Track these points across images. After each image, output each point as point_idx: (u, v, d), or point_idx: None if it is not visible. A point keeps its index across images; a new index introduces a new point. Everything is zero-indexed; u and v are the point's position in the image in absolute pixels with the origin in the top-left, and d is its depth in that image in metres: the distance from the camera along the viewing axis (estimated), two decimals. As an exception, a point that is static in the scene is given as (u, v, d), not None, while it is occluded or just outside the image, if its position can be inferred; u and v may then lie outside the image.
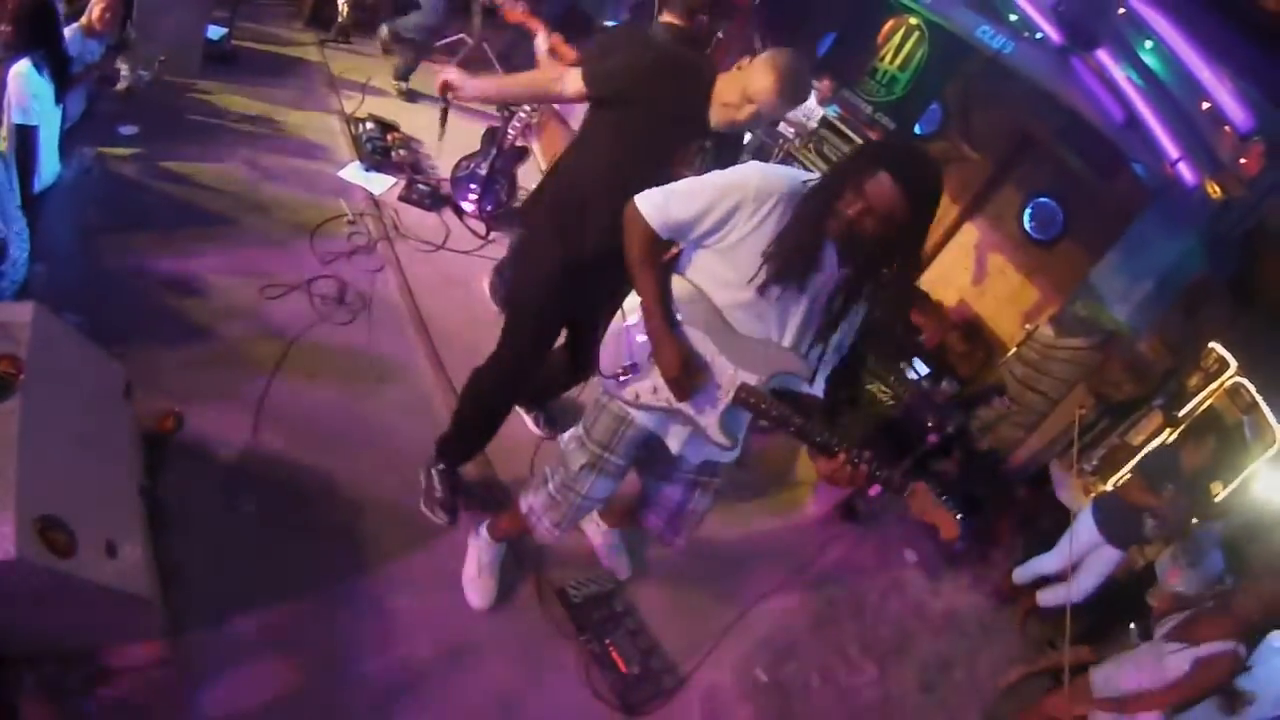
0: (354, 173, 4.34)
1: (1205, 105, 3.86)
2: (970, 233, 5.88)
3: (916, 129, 5.94)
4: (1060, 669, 3.55)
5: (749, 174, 1.86)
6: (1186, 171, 4.00)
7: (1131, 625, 3.70)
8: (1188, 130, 4.00)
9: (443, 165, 4.79)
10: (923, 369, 4.77)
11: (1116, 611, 4.08)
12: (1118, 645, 3.58)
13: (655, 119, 2.30)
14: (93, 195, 3.50)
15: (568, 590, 2.79)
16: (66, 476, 1.85)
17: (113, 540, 1.85)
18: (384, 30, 5.89)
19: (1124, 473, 4.60)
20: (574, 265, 2.46)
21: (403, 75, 5.70)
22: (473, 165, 4.51)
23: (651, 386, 2.03)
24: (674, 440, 2.10)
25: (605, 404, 2.15)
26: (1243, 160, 3.61)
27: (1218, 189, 3.81)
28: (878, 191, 1.69)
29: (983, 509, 4.49)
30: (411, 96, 5.71)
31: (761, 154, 5.65)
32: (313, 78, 5.31)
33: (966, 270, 5.99)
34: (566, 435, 2.32)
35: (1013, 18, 4.82)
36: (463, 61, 6.21)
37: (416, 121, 5.24)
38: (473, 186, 4.49)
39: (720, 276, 1.92)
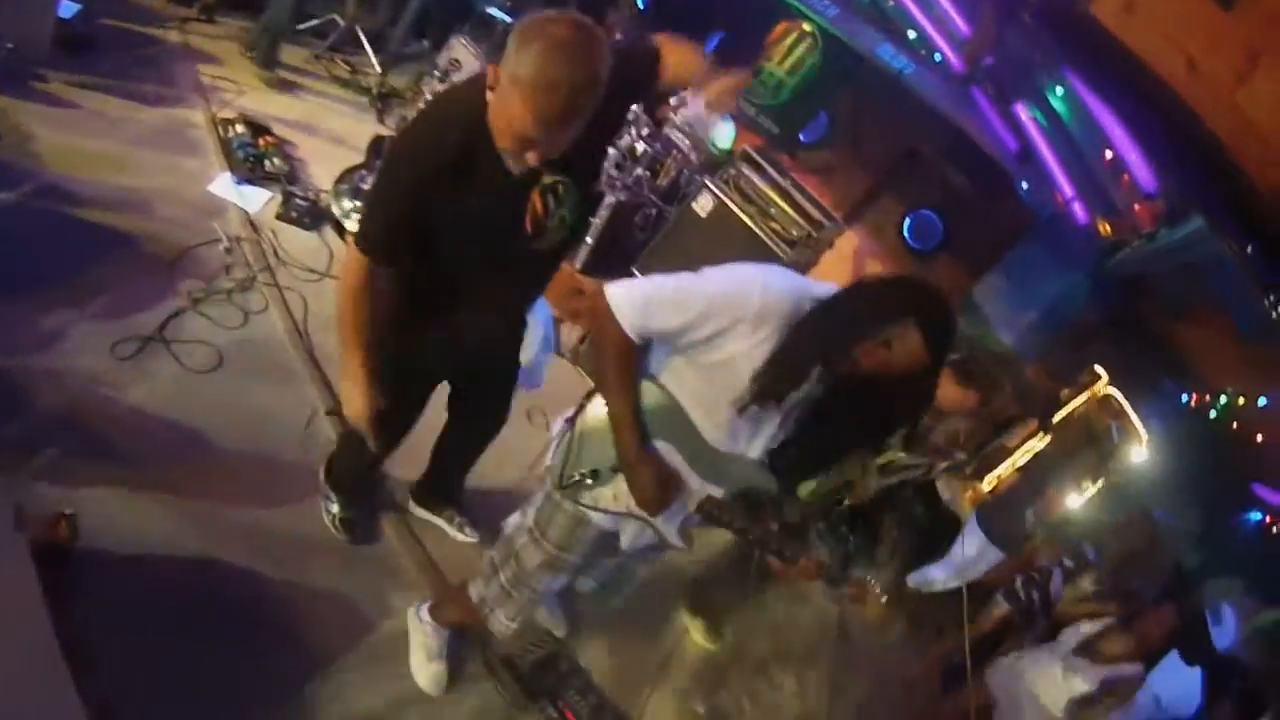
0: (225, 186, 3.97)
1: (1109, 155, 4.20)
2: (849, 240, 6.07)
3: (800, 136, 6.10)
4: (948, 658, 3.98)
5: (750, 290, 1.69)
6: (1079, 209, 4.38)
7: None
8: (1085, 173, 4.36)
9: (320, 173, 4.48)
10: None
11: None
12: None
13: None
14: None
15: (515, 659, 2.81)
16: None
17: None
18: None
19: (999, 472, 5.11)
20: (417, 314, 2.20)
21: (265, 63, 5.22)
22: (356, 179, 4.25)
23: (612, 494, 1.97)
24: (627, 536, 2.07)
25: (559, 503, 2.06)
26: (1137, 207, 3.98)
27: (1109, 228, 4.20)
28: (904, 347, 1.62)
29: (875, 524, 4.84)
30: (284, 86, 5.27)
31: (651, 166, 5.55)
32: (175, 66, 4.75)
33: (843, 278, 6.16)
34: (512, 523, 2.24)
35: (912, 35, 5.04)
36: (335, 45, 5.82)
37: (291, 117, 4.86)
38: (356, 203, 4.20)
39: (696, 391, 1.84)
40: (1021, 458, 5.08)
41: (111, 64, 4.29)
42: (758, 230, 4.77)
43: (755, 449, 1.86)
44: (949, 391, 3.19)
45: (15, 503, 2.02)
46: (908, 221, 5.58)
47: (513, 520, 2.24)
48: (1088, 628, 3.35)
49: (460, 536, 3.16)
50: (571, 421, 2.01)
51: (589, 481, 1.96)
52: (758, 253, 4.64)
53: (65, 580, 2.13)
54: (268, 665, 2.35)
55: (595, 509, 1.99)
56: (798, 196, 5.00)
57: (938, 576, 4.51)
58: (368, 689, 2.46)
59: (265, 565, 2.57)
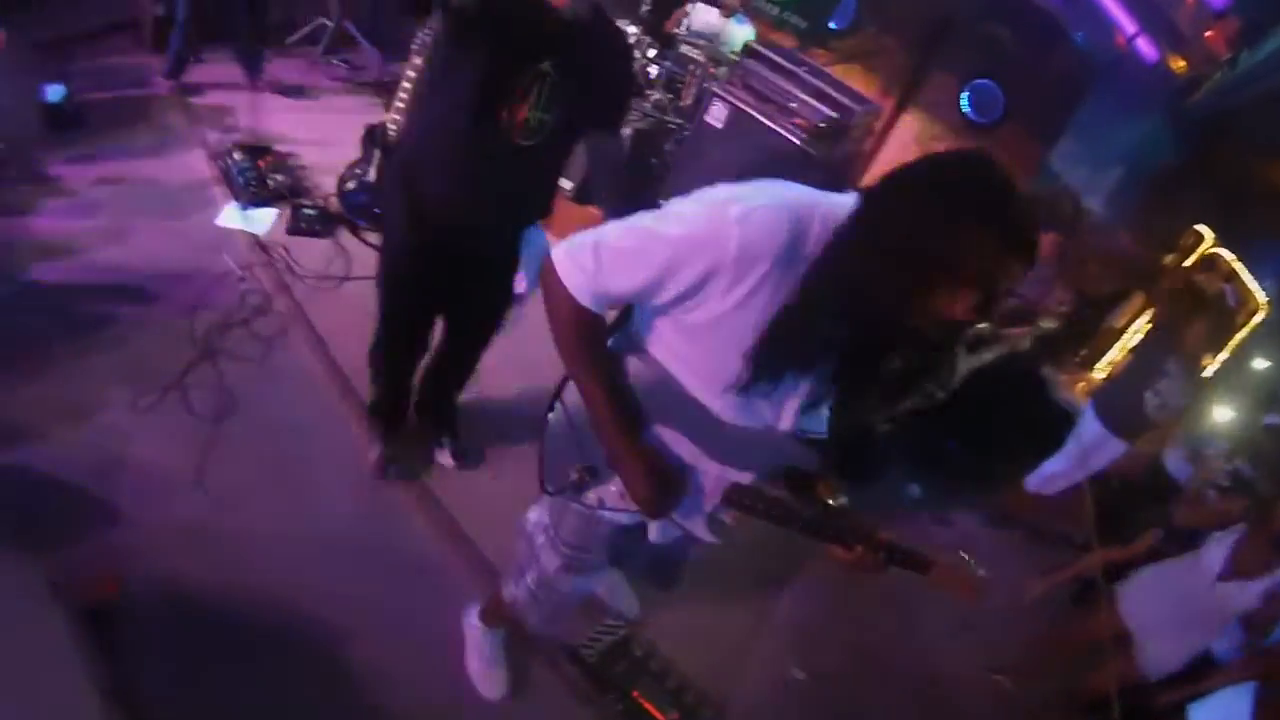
0: (232, 217, 3.99)
1: None
2: (908, 126, 5.70)
3: (831, 25, 5.68)
4: (1082, 575, 3.63)
5: (725, 226, 1.26)
6: (1144, 46, 3.83)
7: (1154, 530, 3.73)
8: (1143, 2, 3.79)
9: (329, 179, 4.43)
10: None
11: (1134, 509, 4.15)
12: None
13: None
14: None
15: (581, 651, 2.71)
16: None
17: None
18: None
19: (1111, 356, 4.66)
20: (422, 234, 2.37)
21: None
22: (359, 172, 4.19)
23: (617, 492, 1.66)
24: (654, 530, 1.77)
25: (568, 501, 1.81)
26: (1208, 33, 3.42)
27: (1182, 63, 3.64)
28: (997, 272, 1.17)
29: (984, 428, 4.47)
30: (284, 101, 5.18)
31: (671, 87, 5.35)
32: (169, 115, 4.80)
33: (911, 166, 5.75)
34: (532, 518, 2.03)
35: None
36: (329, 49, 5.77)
37: (298, 133, 4.81)
38: (364, 197, 4.15)
39: (690, 360, 1.48)
40: (1132, 338, 4.65)
41: (107, 132, 4.36)
42: (779, 129, 4.45)
43: (785, 420, 1.50)
44: None
45: (49, 578, 2.06)
46: (965, 95, 5.06)
47: (532, 515, 2.03)
48: (1225, 543, 2.96)
49: (446, 462, 3.18)
50: (551, 409, 1.71)
51: (586, 479, 1.68)
52: (786, 154, 4.37)
53: (117, 637, 2.18)
54: (320, 691, 2.33)
55: (603, 509, 1.72)
56: (817, 83, 4.65)
57: (1058, 471, 4.18)
58: (426, 702, 2.42)
59: (307, 588, 2.55)
